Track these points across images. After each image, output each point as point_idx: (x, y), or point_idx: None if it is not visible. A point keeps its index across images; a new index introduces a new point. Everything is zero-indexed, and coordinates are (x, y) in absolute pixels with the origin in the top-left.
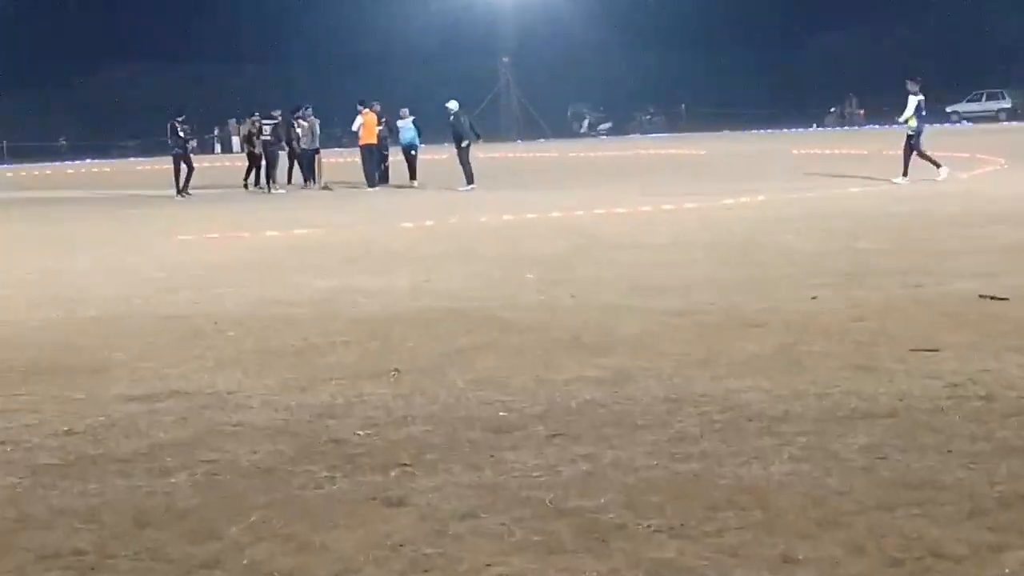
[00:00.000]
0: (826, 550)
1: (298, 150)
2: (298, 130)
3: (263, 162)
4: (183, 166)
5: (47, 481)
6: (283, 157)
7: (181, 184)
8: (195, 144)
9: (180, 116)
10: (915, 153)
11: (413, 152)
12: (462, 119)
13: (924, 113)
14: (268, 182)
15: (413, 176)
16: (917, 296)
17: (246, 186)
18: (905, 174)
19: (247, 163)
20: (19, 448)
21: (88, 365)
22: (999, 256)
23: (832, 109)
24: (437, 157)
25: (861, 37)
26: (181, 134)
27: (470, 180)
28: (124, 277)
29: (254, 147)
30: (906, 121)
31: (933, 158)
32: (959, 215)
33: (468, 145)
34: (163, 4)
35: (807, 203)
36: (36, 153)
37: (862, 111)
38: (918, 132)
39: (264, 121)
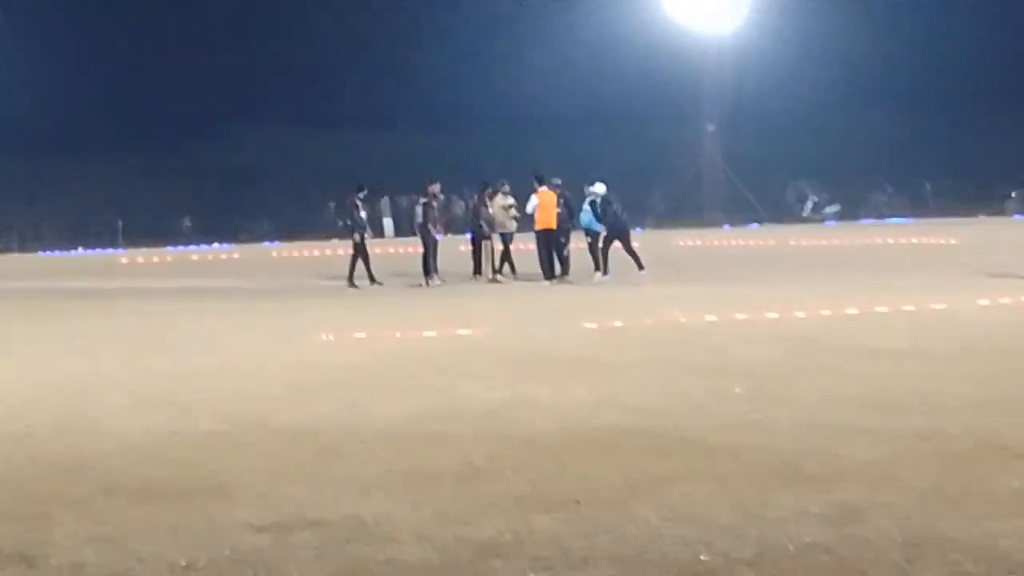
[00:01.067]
0: None
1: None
2: (490, 210)
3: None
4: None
5: None
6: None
7: (367, 271)
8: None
9: (361, 191)
10: None
11: (589, 238)
12: (615, 204)
13: None
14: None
15: (596, 267)
16: None
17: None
18: None
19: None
20: None
21: (209, 487)
22: None
23: None
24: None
25: None
26: (363, 213)
27: (607, 270)
28: (253, 382)
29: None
30: None
31: None
32: None
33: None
34: (308, 61)
35: None
36: (157, 235)
37: None
38: None
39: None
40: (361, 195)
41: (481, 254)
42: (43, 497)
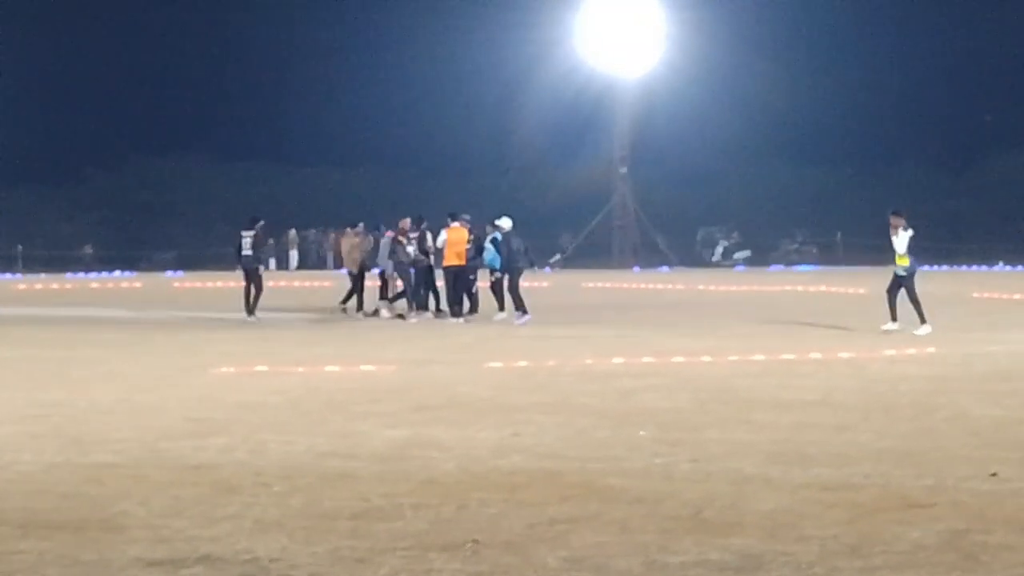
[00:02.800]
0: None
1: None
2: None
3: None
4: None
5: None
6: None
7: (251, 302)
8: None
9: (259, 222)
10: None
11: (492, 277)
12: (514, 241)
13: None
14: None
15: (501, 306)
16: None
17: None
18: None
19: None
20: None
21: (101, 520)
22: None
23: None
24: (535, 284)
25: None
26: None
27: (525, 310)
28: (150, 415)
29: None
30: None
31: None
32: None
33: (521, 271)
34: (215, 90)
35: (990, 359)
36: (56, 262)
37: None
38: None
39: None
40: (260, 225)
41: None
42: None
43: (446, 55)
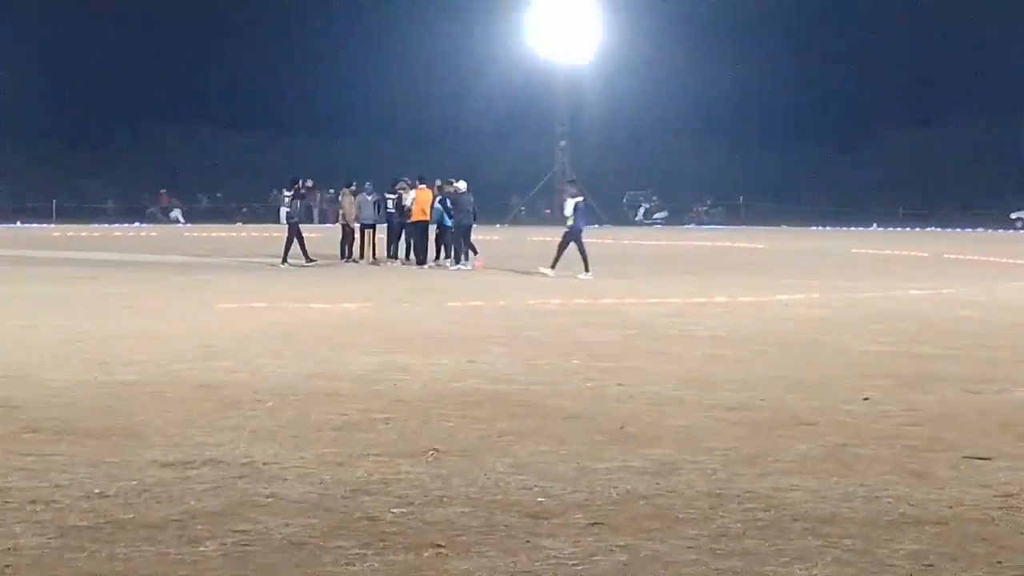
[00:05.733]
0: None
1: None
2: (406, 202)
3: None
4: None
5: (75, 544)
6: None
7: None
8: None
9: (298, 183)
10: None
11: (438, 230)
12: (465, 200)
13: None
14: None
15: (447, 254)
16: (975, 403)
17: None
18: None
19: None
20: (49, 508)
21: (123, 429)
22: None
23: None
24: (491, 237)
25: (927, 137)
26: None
27: (466, 258)
28: (163, 343)
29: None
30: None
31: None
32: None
33: (471, 226)
34: (225, 68)
35: (865, 303)
36: (83, 213)
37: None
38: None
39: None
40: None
41: (364, 240)
42: None
43: (419, 46)
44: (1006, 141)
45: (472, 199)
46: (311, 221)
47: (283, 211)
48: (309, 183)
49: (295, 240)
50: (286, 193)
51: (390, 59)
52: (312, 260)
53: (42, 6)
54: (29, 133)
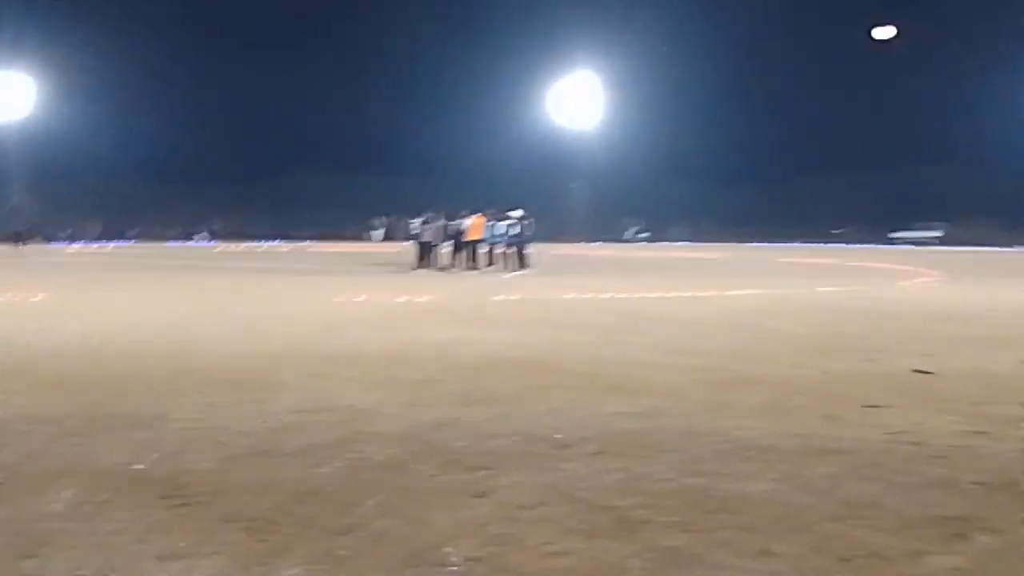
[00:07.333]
0: (794, 548)
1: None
2: (461, 225)
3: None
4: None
5: (234, 466)
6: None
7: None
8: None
9: (426, 214)
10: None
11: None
12: (520, 226)
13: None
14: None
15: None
16: (872, 368)
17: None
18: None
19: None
20: (215, 441)
21: (267, 383)
22: (936, 344)
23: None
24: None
25: (841, 180)
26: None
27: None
28: (296, 324)
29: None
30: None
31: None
32: (905, 312)
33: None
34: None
35: (797, 298)
36: (236, 236)
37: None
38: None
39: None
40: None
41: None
42: (163, 386)
43: (463, 111)
44: (889, 184)
45: (529, 221)
46: (440, 241)
47: (411, 231)
48: (431, 213)
49: (422, 253)
50: (412, 221)
51: (445, 123)
52: (423, 267)
53: (207, 77)
54: (178, 174)
